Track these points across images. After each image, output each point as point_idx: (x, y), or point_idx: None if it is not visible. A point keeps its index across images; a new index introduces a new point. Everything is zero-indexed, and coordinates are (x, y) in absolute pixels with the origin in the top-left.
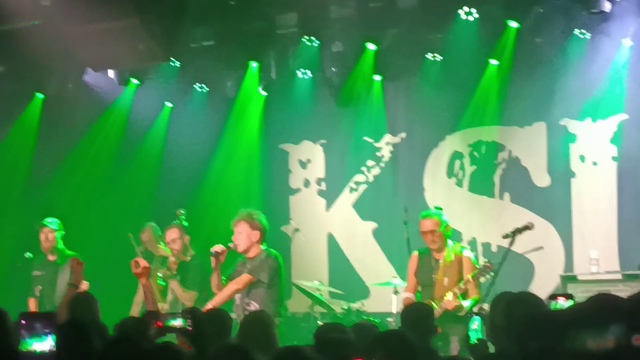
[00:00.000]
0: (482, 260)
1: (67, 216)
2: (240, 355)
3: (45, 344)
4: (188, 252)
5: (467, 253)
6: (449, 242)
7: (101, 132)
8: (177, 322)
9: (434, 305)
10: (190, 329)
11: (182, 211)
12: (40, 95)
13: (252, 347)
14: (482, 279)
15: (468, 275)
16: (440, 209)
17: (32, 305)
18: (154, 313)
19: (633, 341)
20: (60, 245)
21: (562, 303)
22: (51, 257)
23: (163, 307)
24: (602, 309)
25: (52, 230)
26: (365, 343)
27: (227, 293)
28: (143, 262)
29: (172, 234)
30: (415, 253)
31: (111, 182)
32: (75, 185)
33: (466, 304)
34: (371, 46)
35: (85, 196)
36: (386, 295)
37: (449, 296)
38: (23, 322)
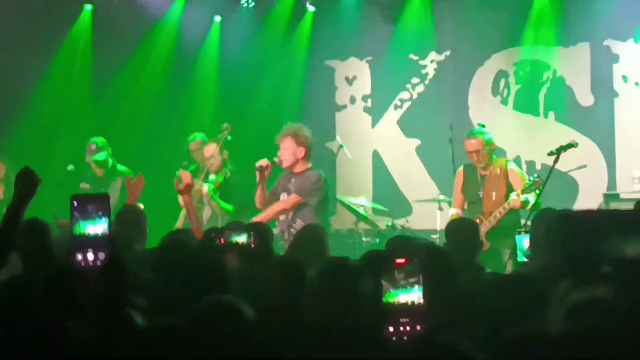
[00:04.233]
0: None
1: (119, 131)
2: (293, 268)
3: (98, 226)
4: (226, 168)
5: (512, 165)
6: (494, 156)
7: (152, 47)
8: (241, 238)
9: (483, 221)
10: (253, 245)
11: (227, 125)
12: (88, 7)
13: (305, 259)
14: (530, 195)
15: (518, 191)
16: (484, 126)
17: None
18: (215, 229)
19: None
20: (110, 162)
21: None
22: (100, 173)
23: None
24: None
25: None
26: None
27: (273, 211)
28: (186, 178)
29: (211, 149)
30: (461, 168)
31: (163, 97)
32: (128, 100)
33: (531, 198)
34: None
35: (138, 111)
36: (430, 212)
37: (514, 195)
38: (75, 204)
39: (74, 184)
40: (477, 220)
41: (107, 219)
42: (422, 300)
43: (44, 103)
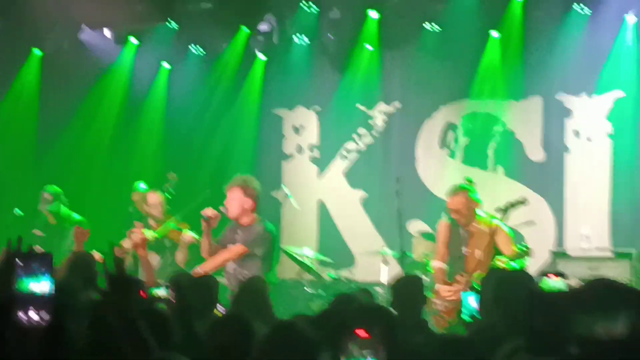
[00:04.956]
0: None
1: (70, 177)
2: (240, 325)
3: (42, 285)
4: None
5: (499, 224)
6: (479, 212)
7: (103, 94)
8: (161, 292)
9: (466, 279)
10: (174, 300)
11: (173, 174)
12: (37, 52)
13: (247, 313)
14: (516, 263)
15: (506, 260)
16: (471, 181)
17: None
18: (138, 281)
19: None
20: (64, 212)
21: (553, 281)
22: (53, 221)
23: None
24: (606, 294)
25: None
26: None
27: (219, 261)
28: (142, 235)
29: (154, 198)
30: (447, 222)
31: (112, 144)
32: (78, 147)
33: (516, 266)
34: (373, 14)
35: (88, 158)
36: (374, 264)
37: (501, 264)
38: (19, 261)
39: (22, 229)
40: (459, 278)
41: (50, 278)
42: None
43: None
